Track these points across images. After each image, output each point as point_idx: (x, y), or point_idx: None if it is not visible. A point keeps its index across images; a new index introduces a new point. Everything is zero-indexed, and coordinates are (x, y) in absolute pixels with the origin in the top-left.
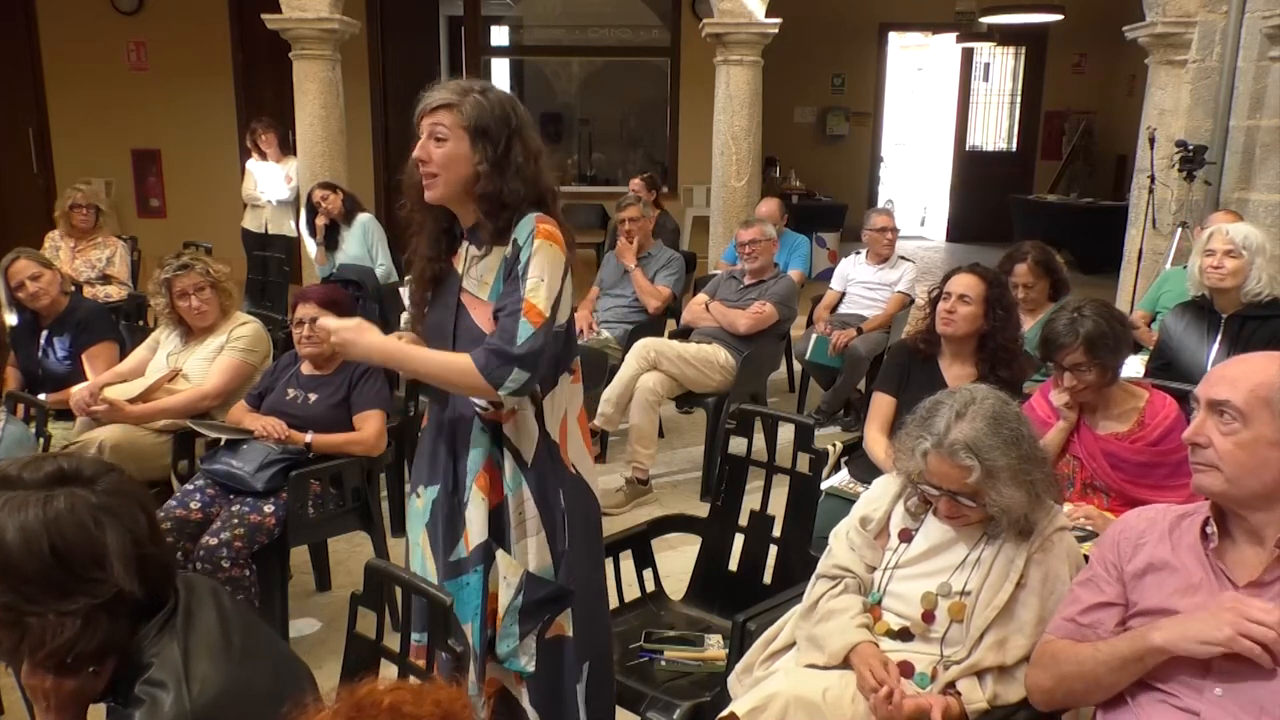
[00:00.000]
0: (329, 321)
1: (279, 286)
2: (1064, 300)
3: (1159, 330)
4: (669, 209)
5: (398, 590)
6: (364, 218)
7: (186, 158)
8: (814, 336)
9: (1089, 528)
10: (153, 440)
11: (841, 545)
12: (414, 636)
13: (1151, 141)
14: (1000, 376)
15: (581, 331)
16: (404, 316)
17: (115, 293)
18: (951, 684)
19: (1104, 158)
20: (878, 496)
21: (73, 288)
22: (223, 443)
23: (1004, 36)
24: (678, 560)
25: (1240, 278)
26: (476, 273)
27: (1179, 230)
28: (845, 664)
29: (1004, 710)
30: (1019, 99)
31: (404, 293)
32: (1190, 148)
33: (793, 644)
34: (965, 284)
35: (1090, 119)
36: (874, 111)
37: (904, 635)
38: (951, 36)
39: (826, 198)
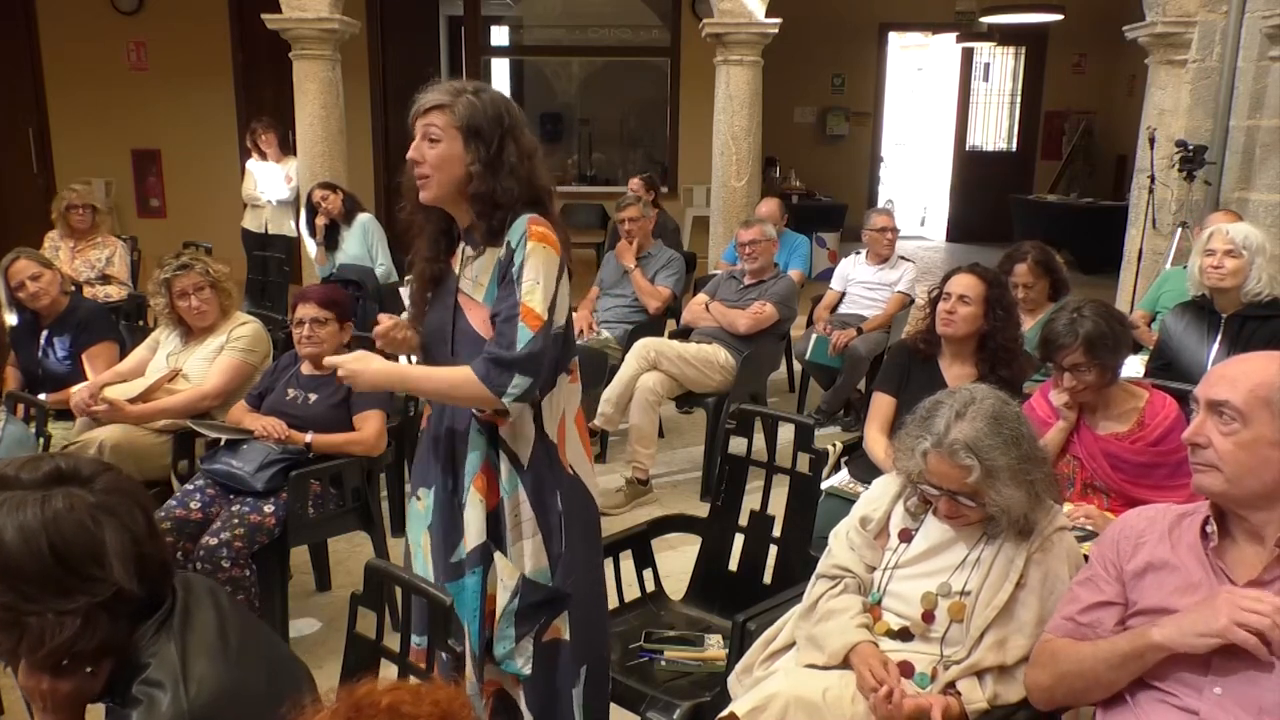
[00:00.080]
0: (333, 359)
1: (279, 286)
2: (1064, 300)
3: (1159, 330)
4: (669, 209)
5: (398, 590)
6: (364, 218)
7: (186, 158)
8: (814, 336)
9: (1089, 528)
10: (153, 440)
11: (841, 545)
12: (414, 639)
13: (1151, 141)
14: (1000, 376)
15: (581, 332)
16: (403, 316)
17: (115, 293)
18: (951, 684)
19: (1104, 158)
20: (878, 496)
21: (73, 288)
22: (223, 443)
23: (1004, 36)
24: (678, 560)
25: (1240, 278)
26: (471, 273)
27: (1179, 230)
28: (845, 664)
29: (1004, 710)
30: (1019, 99)
31: (404, 293)
32: (1190, 148)
33: (793, 644)
34: (965, 284)
35: (1090, 119)
36: (874, 111)
37: (904, 635)
38: (951, 36)
39: (826, 198)
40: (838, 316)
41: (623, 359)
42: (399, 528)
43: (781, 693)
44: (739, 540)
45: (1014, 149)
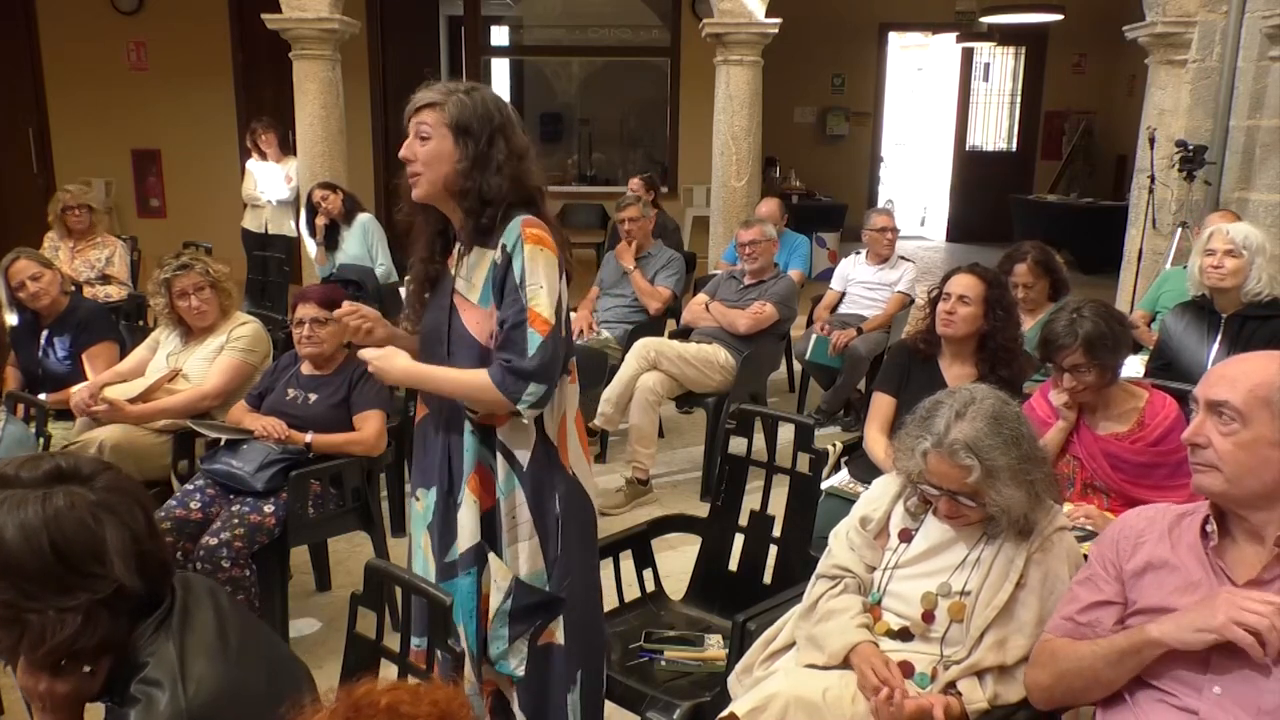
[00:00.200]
0: (367, 352)
1: (279, 286)
2: (1064, 300)
3: (1159, 330)
4: (669, 209)
5: (398, 590)
6: (364, 218)
7: (186, 158)
8: (814, 336)
9: (1089, 528)
10: (153, 440)
11: (841, 545)
12: (414, 641)
13: (1151, 141)
14: (1000, 376)
15: (581, 332)
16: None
17: (115, 293)
18: (951, 684)
19: (1104, 158)
20: (878, 496)
21: (73, 288)
22: (223, 443)
23: (1004, 36)
24: (678, 560)
25: (1240, 277)
26: (465, 273)
27: (1179, 230)
28: (845, 664)
29: (1004, 710)
30: (1019, 99)
31: (404, 293)
32: (1190, 148)
33: (793, 644)
34: (965, 284)
35: (1090, 119)
36: (874, 111)
37: (904, 635)
38: (951, 36)
39: (826, 198)
40: (838, 316)
41: (623, 359)
42: (399, 528)
43: (781, 693)
44: (739, 540)
45: (1014, 149)
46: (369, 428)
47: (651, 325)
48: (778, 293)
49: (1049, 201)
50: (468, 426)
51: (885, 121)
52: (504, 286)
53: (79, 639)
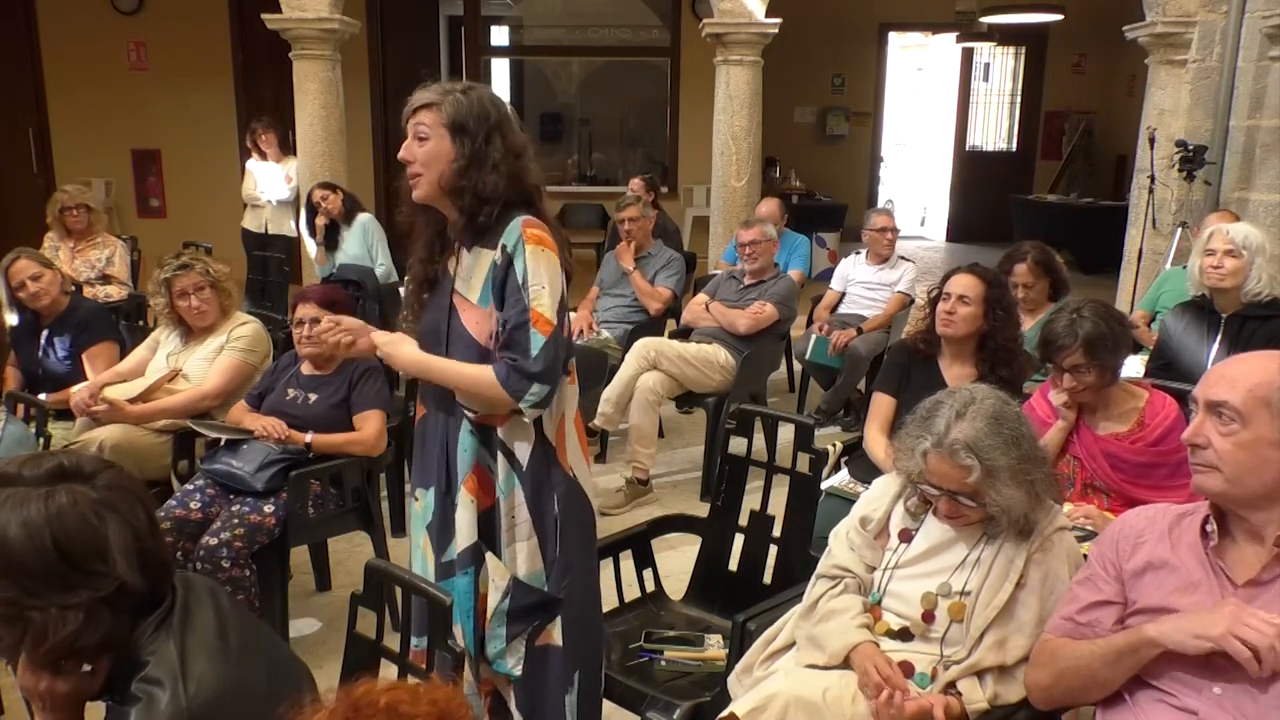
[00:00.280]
0: (377, 336)
1: (279, 286)
2: (1064, 300)
3: (1159, 330)
4: (669, 209)
5: (398, 590)
6: (364, 218)
7: (186, 158)
8: (814, 336)
9: (1089, 528)
10: (153, 440)
11: (841, 545)
12: (413, 641)
13: (1151, 141)
14: (1000, 376)
15: (581, 332)
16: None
17: (115, 293)
18: (952, 684)
19: (1104, 158)
20: (878, 496)
21: (73, 288)
22: (223, 443)
23: (1004, 36)
24: (678, 560)
25: (1240, 277)
26: (464, 273)
27: (1179, 230)
28: (845, 664)
29: (1004, 710)
30: (1019, 99)
31: (404, 293)
32: (1190, 148)
33: (793, 644)
34: (965, 284)
35: (1090, 119)
36: (874, 111)
37: (904, 635)
38: (951, 36)
39: (826, 198)
40: (838, 316)
41: (623, 359)
42: (399, 528)
43: (781, 693)
44: (739, 540)
45: (1014, 149)
46: (369, 428)
47: (651, 325)
48: (778, 293)
49: (1049, 201)
50: (466, 426)
51: (885, 121)
52: (504, 287)
53: (81, 637)
